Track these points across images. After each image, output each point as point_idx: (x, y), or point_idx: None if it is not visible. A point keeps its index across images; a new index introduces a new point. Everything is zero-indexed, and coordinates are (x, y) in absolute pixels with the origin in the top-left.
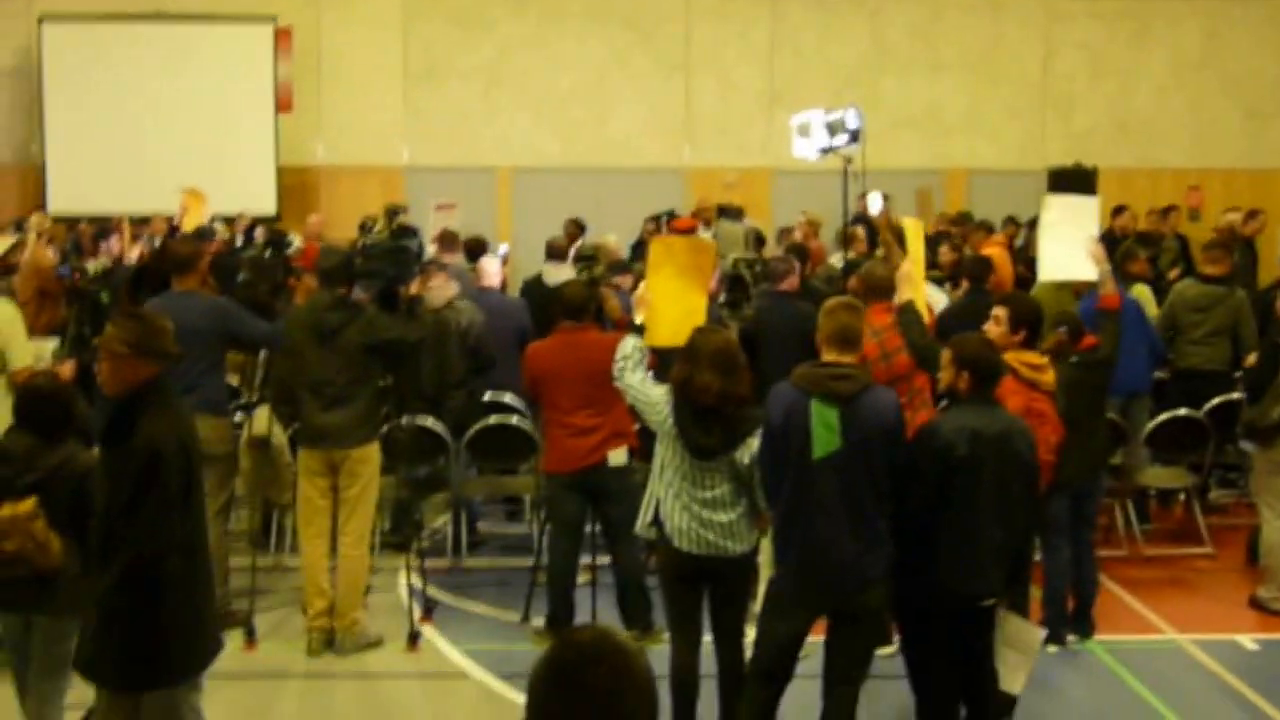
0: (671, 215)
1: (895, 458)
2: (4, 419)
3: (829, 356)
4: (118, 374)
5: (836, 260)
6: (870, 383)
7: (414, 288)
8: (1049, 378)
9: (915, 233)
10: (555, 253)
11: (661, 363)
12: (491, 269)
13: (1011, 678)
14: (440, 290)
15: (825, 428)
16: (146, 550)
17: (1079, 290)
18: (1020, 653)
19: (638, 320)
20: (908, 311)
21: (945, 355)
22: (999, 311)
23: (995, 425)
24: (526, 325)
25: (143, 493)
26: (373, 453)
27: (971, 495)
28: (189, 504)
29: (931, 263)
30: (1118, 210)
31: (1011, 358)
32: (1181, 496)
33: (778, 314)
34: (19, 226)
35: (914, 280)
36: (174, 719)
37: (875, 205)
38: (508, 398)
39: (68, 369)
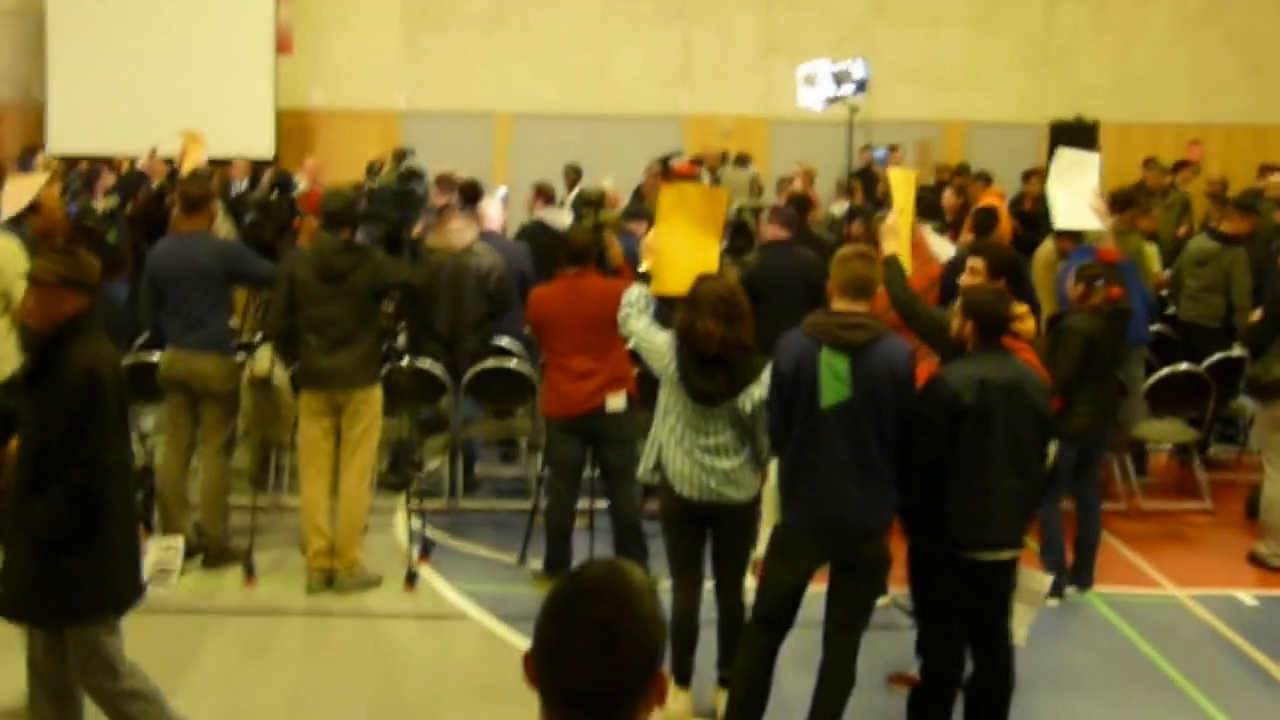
0: (667, 159)
1: (905, 408)
2: (9, 356)
3: (840, 305)
4: (45, 306)
5: (837, 208)
6: (883, 332)
7: (419, 230)
8: (1029, 326)
9: (902, 183)
10: (548, 196)
11: (664, 309)
12: (493, 212)
13: (1015, 628)
14: (460, 233)
15: (834, 376)
16: (90, 477)
17: (1063, 249)
18: (1025, 602)
19: (644, 267)
20: (891, 265)
21: (956, 305)
22: (975, 263)
23: (1004, 373)
24: (527, 269)
25: (84, 419)
26: (375, 394)
27: (981, 444)
28: (124, 432)
29: (935, 212)
30: (1148, 163)
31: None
32: (1178, 450)
33: (781, 261)
34: (24, 165)
35: (898, 232)
36: (98, 652)
37: (880, 157)
38: (505, 341)
39: None
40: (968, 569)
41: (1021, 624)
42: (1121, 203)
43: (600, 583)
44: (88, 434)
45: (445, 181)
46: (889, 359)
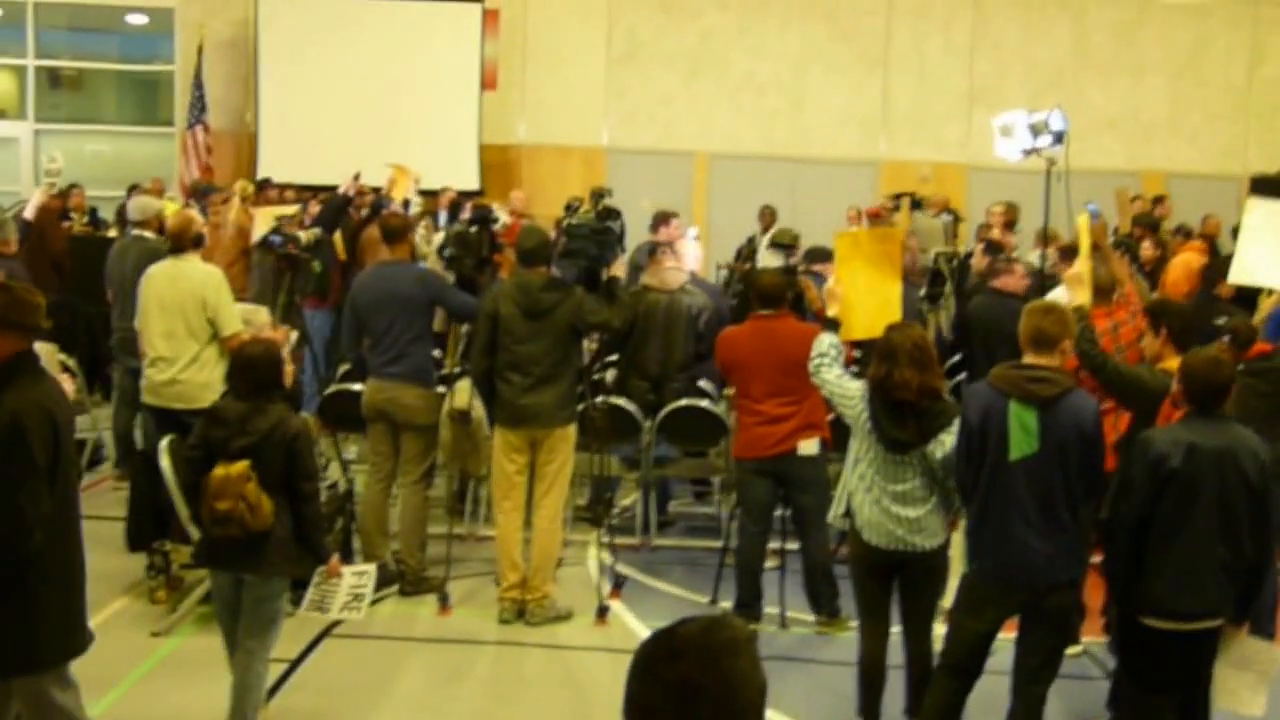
0: (899, 196)
1: (1092, 463)
2: (216, 384)
3: (1028, 358)
4: None
5: (1035, 258)
6: (1070, 387)
7: (614, 270)
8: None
9: (1089, 229)
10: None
11: (859, 356)
12: (690, 252)
13: (1250, 699)
14: (675, 272)
15: (1022, 430)
16: (8, 526)
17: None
18: (1256, 673)
19: (830, 314)
20: (1080, 319)
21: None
22: (1147, 322)
23: (1216, 440)
24: (725, 310)
25: (3, 466)
26: (571, 432)
27: (1186, 510)
28: (55, 481)
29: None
30: None
31: (1171, 366)
32: None
33: (991, 311)
34: (198, 194)
35: (1084, 281)
36: (44, 705)
37: (1093, 211)
38: (702, 382)
39: (282, 334)
40: (1167, 636)
41: (1256, 695)
42: None
43: (687, 640)
44: (7, 480)
45: (663, 218)
46: (1077, 414)
